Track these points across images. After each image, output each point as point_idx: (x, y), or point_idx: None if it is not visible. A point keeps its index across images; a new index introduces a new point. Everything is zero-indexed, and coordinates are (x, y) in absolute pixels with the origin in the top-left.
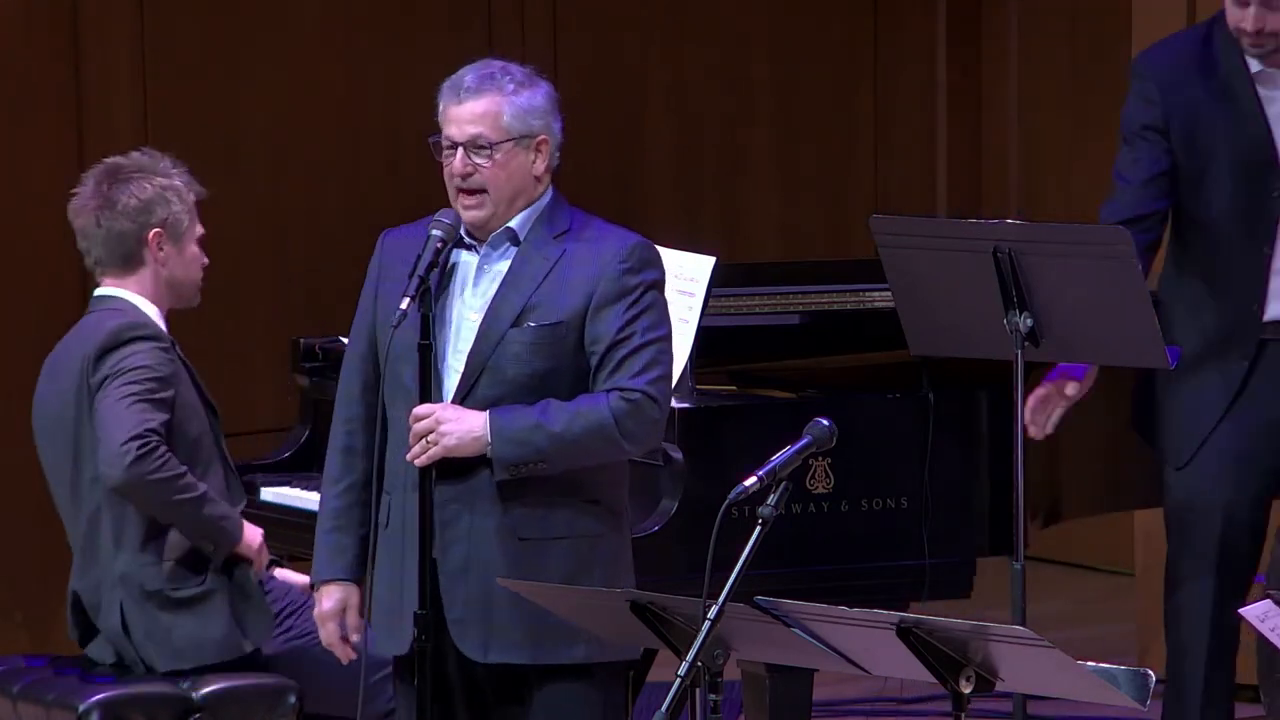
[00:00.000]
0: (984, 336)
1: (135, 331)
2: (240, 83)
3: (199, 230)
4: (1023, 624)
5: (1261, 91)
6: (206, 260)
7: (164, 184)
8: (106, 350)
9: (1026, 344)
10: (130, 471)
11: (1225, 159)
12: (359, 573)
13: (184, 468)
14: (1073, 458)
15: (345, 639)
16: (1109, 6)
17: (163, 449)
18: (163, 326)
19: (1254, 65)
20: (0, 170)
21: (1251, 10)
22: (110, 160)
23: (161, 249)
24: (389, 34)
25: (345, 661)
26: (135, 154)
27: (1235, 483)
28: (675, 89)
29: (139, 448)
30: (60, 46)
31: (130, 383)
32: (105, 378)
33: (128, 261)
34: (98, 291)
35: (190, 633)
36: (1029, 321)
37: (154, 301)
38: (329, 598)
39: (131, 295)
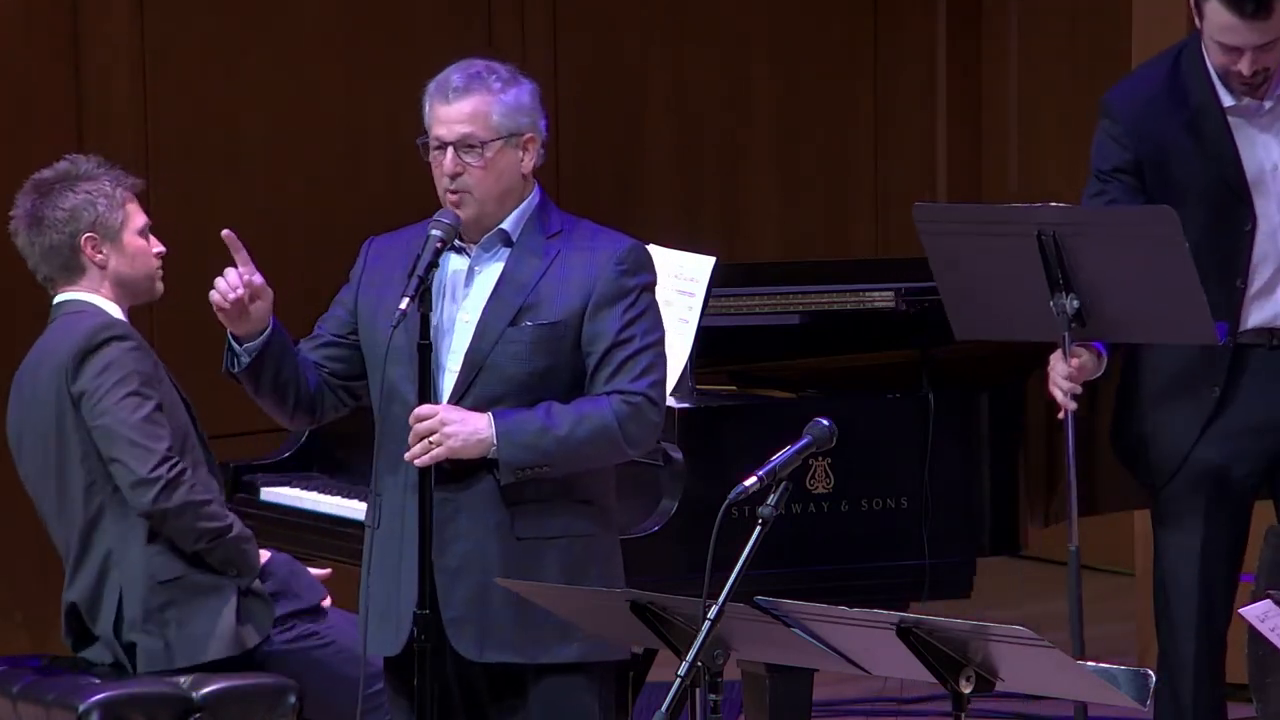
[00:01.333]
0: (1030, 319)
1: (109, 332)
2: (240, 83)
3: (140, 222)
4: (1078, 606)
5: (1233, 123)
6: (160, 248)
7: (88, 188)
8: (85, 354)
9: (1073, 325)
10: (163, 498)
11: (1198, 194)
12: (252, 357)
13: (211, 494)
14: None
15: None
16: (1109, 6)
17: (188, 470)
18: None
19: (1226, 99)
20: (0, 170)
21: (1247, 56)
22: (36, 175)
23: (100, 251)
24: (389, 34)
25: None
26: (61, 163)
27: (1219, 484)
28: (675, 89)
29: (169, 471)
30: (60, 46)
31: (129, 395)
32: (92, 390)
33: (70, 271)
34: (57, 299)
35: (198, 627)
36: (1075, 303)
37: (113, 300)
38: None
39: (89, 296)
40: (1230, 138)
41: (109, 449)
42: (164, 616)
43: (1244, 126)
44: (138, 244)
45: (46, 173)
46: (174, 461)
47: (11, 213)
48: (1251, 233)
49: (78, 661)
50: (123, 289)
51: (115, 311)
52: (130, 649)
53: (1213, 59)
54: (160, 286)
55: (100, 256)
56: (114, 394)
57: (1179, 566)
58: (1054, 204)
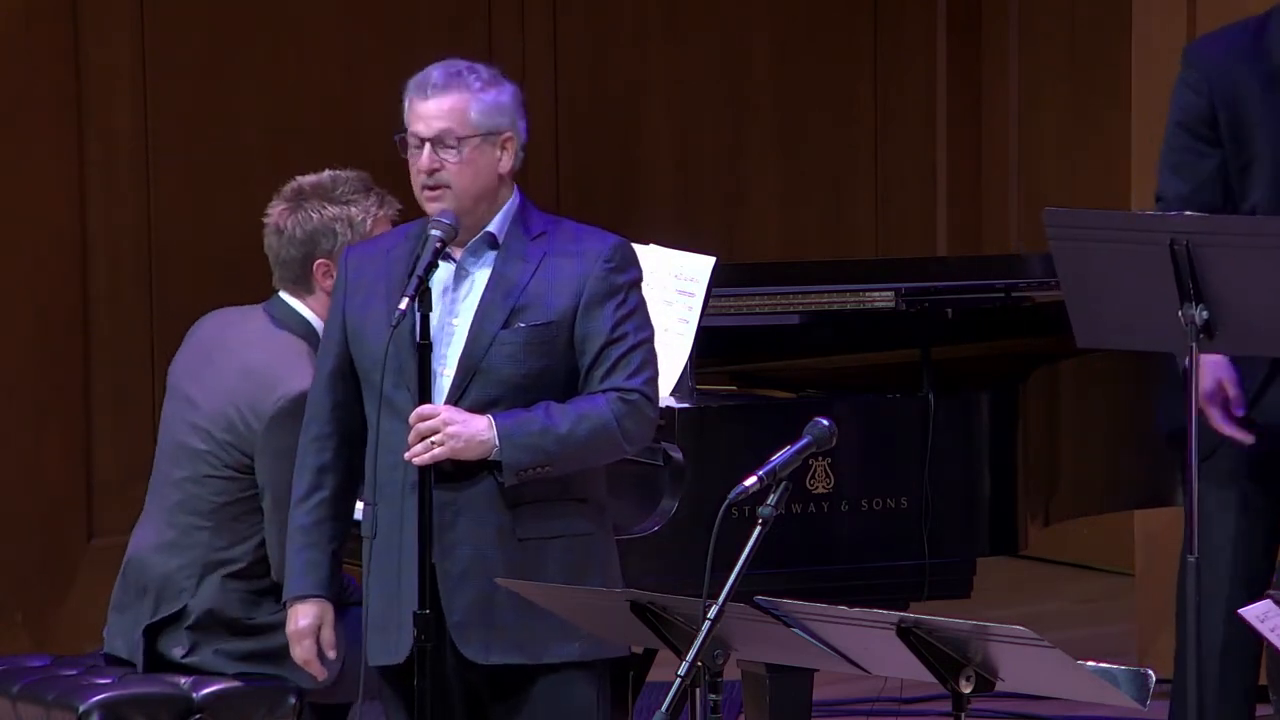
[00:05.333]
0: (1156, 329)
1: None
2: (240, 83)
3: None
4: (1196, 617)
5: None
6: None
7: (333, 214)
8: (285, 419)
9: (1201, 336)
10: None
11: (1268, 147)
12: (331, 589)
13: None
14: (1073, 458)
15: (320, 657)
16: (1108, 5)
17: None
18: None
19: None
20: (0, 170)
21: None
22: (298, 180)
23: (329, 278)
24: (388, 34)
25: (320, 679)
26: (325, 173)
27: (1262, 461)
28: (675, 89)
29: None
30: (60, 46)
31: None
32: (283, 456)
33: (299, 284)
34: (281, 294)
35: (241, 652)
36: (1204, 314)
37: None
38: (304, 615)
39: (309, 314)
40: None
41: (277, 519)
42: (214, 645)
43: None
44: None
45: (308, 181)
46: None
47: (268, 208)
48: None
49: (79, 661)
50: None
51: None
52: (161, 660)
53: None
54: None
55: (329, 282)
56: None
57: (1213, 543)
58: (1189, 212)
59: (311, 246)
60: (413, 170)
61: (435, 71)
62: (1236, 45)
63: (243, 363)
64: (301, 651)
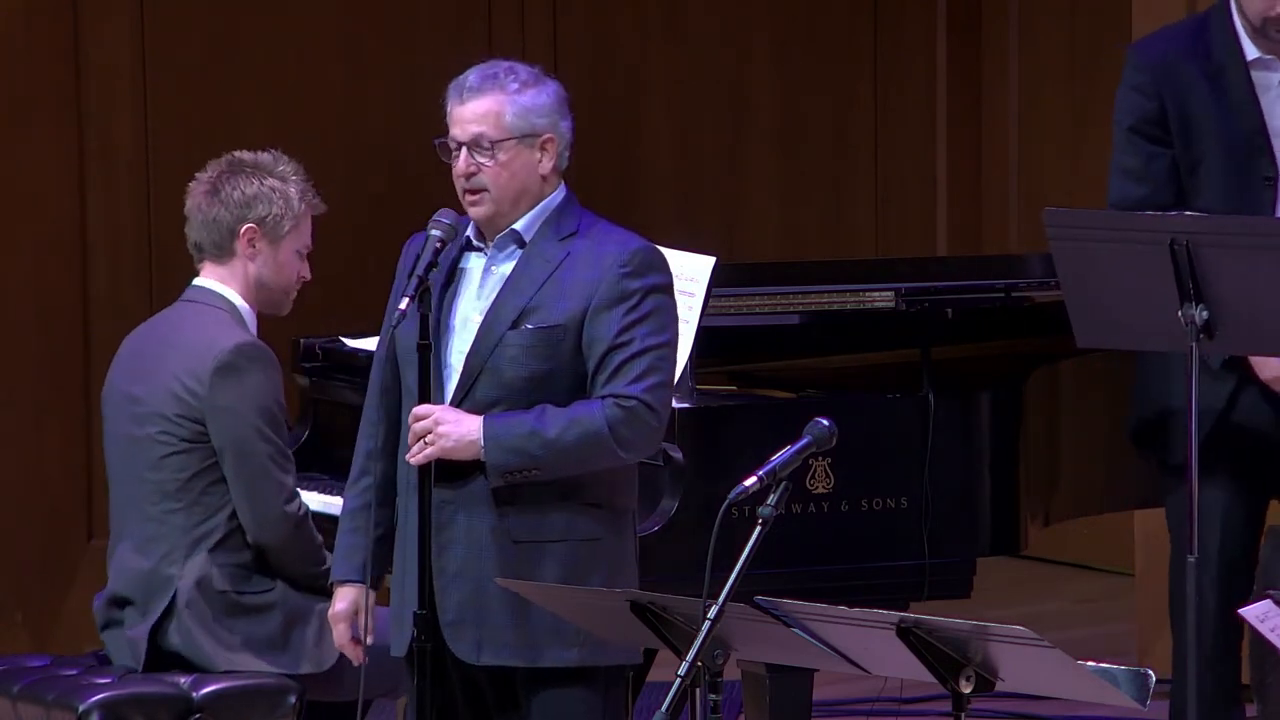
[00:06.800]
0: (1156, 329)
1: (252, 353)
2: (240, 83)
3: (302, 241)
4: (1196, 618)
5: (1255, 77)
6: (308, 275)
7: (273, 185)
8: (226, 372)
9: (1201, 336)
10: (295, 533)
11: (1218, 145)
12: (373, 573)
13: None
14: (1073, 458)
15: (356, 641)
16: (1108, 5)
17: (307, 508)
18: (253, 328)
19: (1250, 52)
20: (0, 170)
21: None
22: (235, 154)
23: (254, 245)
24: (389, 34)
25: (356, 663)
26: (264, 153)
27: (1233, 478)
28: (675, 88)
29: (298, 508)
30: (60, 46)
31: (267, 424)
32: (232, 410)
33: (220, 251)
34: (196, 281)
35: (236, 640)
36: (1204, 314)
37: (246, 299)
38: (341, 599)
39: (226, 290)
40: (1253, 89)
41: (242, 476)
42: (207, 627)
43: (1266, 80)
44: (289, 258)
45: (246, 154)
46: (299, 503)
47: (197, 174)
48: (1274, 180)
49: (79, 661)
50: (259, 291)
51: (245, 312)
52: (160, 652)
53: (1254, 7)
54: (290, 305)
55: (251, 251)
56: (252, 431)
57: (1200, 535)
58: (1189, 213)
59: (246, 210)
60: (454, 174)
61: (472, 74)
62: (1180, 44)
63: (175, 345)
64: (337, 635)
